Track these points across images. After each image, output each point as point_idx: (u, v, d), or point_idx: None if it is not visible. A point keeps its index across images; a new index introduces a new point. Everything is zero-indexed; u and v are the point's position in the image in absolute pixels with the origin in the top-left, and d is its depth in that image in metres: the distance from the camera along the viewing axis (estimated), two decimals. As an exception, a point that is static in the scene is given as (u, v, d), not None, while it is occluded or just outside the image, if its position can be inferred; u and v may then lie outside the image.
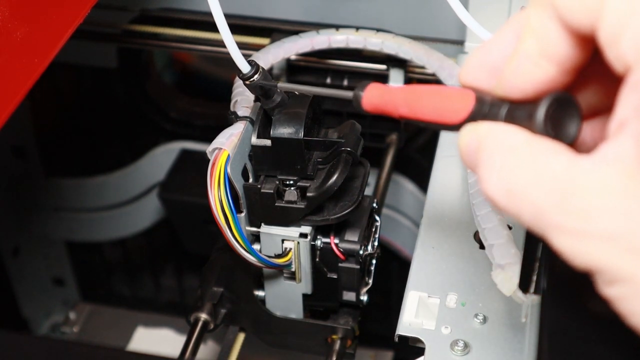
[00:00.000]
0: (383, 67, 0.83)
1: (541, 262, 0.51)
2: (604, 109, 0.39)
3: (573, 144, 0.37)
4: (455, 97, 0.39)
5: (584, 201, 0.33)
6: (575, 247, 0.33)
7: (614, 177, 0.33)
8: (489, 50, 0.39)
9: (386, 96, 0.41)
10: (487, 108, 0.38)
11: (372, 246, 0.68)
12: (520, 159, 0.35)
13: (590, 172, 0.33)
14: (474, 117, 0.38)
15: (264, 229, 0.63)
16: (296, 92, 0.61)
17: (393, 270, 1.03)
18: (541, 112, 0.36)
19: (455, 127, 0.39)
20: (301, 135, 0.59)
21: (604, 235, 0.32)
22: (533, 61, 0.36)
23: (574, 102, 0.37)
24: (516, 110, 0.37)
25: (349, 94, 0.43)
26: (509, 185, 0.35)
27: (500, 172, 0.36)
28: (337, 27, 0.78)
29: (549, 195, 0.34)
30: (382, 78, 0.84)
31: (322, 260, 0.66)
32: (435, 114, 0.39)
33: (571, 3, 0.34)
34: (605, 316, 0.34)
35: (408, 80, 0.84)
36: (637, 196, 0.32)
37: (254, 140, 0.61)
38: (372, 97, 0.42)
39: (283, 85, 0.56)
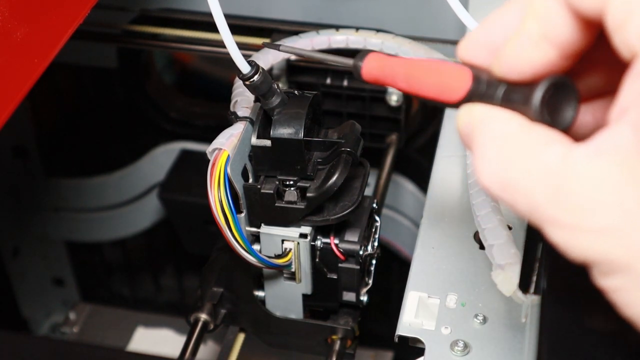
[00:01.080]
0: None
1: (541, 262, 0.51)
2: (610, 91, 0.39)
3: (570, 128, 0.36)
4: (452, 75, 0.38)
5: (578, 195, 0.32)
6: (570, 241, 0.33)
7: (610, 168, 0.32)
8: (491, 28, 0.38)
9: (386, 69, 0.41)
10: (484, 88, 0.37)
11: (372, 246, 0.68)
12: (514, 148, 0.35)
13: (585, 164, 0.33)
14: (471, 96, 0.38)
15: (264, 229, 0.63)
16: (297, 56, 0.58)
17: (393, 270, 1.03)
18: (537, 97, 0.35)
19: (453, 106, 0.38)
20: (301, 135, 0.59)
21: (599, 229, 0.32)
22: (534, 43, 0.35)
23: (572, 87, 0.36)
24: (513, 93, 0.36)
25: (349, 62, 0.43)
26: (502, 176, 0.35)
27: (493, 162, 0.35)
28: (337, 27, 0.78)
29: (542, 188, 0.33)
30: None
31: (322, 260, 0.66)
32: (432, 91, 0.39)
33: None
34: (605, 316, 0.34)
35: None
36: (633, 188, 0.31)
37: (254, 140, 0.61)
38: (372, 68, 0.41)
39: (285, 47, 0.54)
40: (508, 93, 0.37)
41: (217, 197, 0.58)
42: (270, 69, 0.80)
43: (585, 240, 0.32)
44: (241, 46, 0.56)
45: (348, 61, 0.43)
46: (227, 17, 0.54)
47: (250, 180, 0.62)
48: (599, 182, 0.32)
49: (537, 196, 0.33)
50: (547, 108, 0.36)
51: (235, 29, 0.55)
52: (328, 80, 0.85)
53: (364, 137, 0.63)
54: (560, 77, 0.36)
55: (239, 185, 0.61)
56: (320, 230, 0.65)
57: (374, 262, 0.69)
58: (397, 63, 0.40)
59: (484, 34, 0.38)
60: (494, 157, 0.35)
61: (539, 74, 0.36)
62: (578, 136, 0.36)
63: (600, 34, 0.35)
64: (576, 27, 0.35)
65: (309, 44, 0.76)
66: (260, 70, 0.58)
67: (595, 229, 0.32)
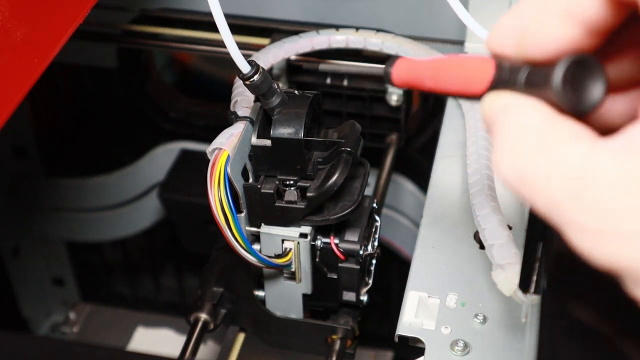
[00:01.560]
0: (383, 67, 0.83)
1: (541, 262, 0.51)
2: None
3: (597, 109, 0.34)
4: (476, 67, 0.37)
5: (603, 196, 0.30)
6: (595, 247, 0.30)
7: (638, 167, 0.29)
8: (519, 15, 0.36)
9: (413, 71, 0.40)
10: (507, 74, 0.36)
11: (372, 246, 0.68)
12: (536, 143, 0.32)
13: (611, 161, 0.30)
14: (495, 85, 0.36)
15: (264, 229, 0.63)
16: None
17: (393, 270, 1.03)
18: (558, 75, 0.33)
19: (479, 97, 0.37)
20: (301, 135, 0.59)
21: (626, 235, 0.29)
22: (557, 19, 0.33)
23: (597, 64, 0.34)
24: (535, 75, 0.34)
25: (379, 69, 0.43)
26: (521, 170, 0.32)
27: (513, 154, 0.33)
28: (337, 27, 0.78)
29: (565, 188, 0.31)
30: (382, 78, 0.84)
31: (322, 260, 0.66)
32: (458, 86, 0.38)
33: None
34: (605, 316, 0.34)
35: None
36: None
37: (254, 140, 0.61)
38: (401, 72, 0.41)
39: (324, 66, 0.55)
40: (531, 76, 0.35)
41: (217, 197, 0.58)
42: (271, 69, 0.80)
43: (611, 247, 0.30)
44: (241, 46, 0.56)
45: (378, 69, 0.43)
46: (227, 17, 0.54)
47: (250, 180, 0.62)
48: (625, 183, 0.29)
49: (558, 196, 0.31)
50: (571, 87, 0.33)
51: (235, 29, 0.55)
52: (328, 80, 0.85)
53: (364, 137, 0.63)
54: (583, 55, 0.34)
55: (239, 185, 0.61)
56: (320, 230, 0.65)
57: (374, 262, 0.69)
58: (423, 65, 0.40)
59: (512, 21, 0.36)
60: (515, 149, 0.33)
61: (562, 52, 0.33)
62: (611, 129, 0.33)
63: (634, 13, 0.32)
64: (604, 4, 0.32)
65: (309, 43, 0.76)
66: (260, 70, 0.58)
67: (623, 234, 0.29)
